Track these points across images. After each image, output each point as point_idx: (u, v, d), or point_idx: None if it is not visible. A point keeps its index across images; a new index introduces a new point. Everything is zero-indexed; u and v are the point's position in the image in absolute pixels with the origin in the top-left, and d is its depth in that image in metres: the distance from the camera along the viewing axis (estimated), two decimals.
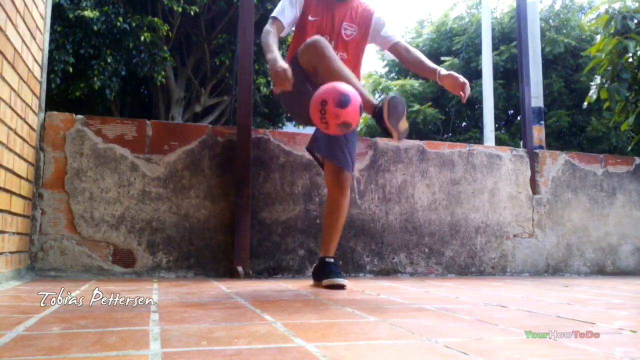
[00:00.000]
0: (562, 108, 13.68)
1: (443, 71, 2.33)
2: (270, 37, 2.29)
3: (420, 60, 2.45)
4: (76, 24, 8.25)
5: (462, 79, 2.26)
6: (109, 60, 8.48)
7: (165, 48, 9.17)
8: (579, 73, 13.31)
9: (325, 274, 2.30)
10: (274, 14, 2.38)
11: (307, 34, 2.36)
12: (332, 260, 2.37)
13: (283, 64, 2.11)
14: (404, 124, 2.03)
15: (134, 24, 8.68)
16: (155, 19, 8.99)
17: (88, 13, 8.04)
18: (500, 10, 15.41)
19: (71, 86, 8.65)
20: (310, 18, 2.39)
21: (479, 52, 13.36)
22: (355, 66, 2.44)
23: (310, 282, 2.57)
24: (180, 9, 9.14)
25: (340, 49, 2.38)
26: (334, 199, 2.40)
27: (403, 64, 2.60)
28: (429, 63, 2.42)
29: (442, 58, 15.07)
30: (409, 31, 17.95)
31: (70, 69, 8.24)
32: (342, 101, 1.85)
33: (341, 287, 2.21)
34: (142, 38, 8.66)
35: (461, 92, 2.25)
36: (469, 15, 15.87)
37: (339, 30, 2.39)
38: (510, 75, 13.77)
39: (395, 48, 2.52)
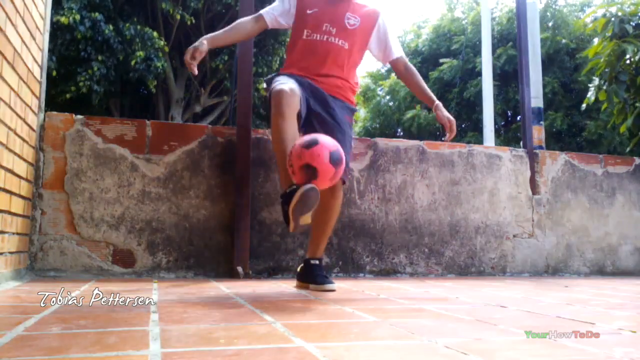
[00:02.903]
0: (560, 109, 13.65)
1: (440, 106, 2.45)
2: (234, 24, 2.40)
3: (420, 86, 2.52)
4: (64, 28, 8.25)
5: (449, 121, 2.41)
6: (95, 68, 8.48)
7: (161, 54, 9.14)
8: (577, 73, 13.30)
9: (311, 277, 2.24)
10: (262, 10, 2.42)
11: (306, 24, 2.35)
12: (317, 262, 2.31)
13: (198, 43, 2.22)
14: (305, 219, 1.91)
15: (128, 37, 8.64)
16: (154, 33, 8.93)
17: (64, 20, 8.05)
18: (499, 10, 15.38)
19: (58, 87, 8.66)
20: (308, 11, 2.37)
21: (477, 53, 13.37)
22: (352, 61, 2.40)
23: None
24: (178, 16, 9.15)
25: (342, 37, 2.34)
26: (323, 201, 2.31)
27: (401, 80, 2.64)
28: (427, 91, 2.51)
29: (441, 60, 15.08)
30: (407, 32, 17.94)
31: (54, 73, 8.22)
32: (308, 142, 1.84)
33: (330, 291, 2.15)
34: (134, 61, 8.63)
35: (447, 132, 2.43)
36: (467, 17, 15.87)
37: (342, 19, 2.36)
38: (507, 77, 13.76)
39: (395, 63, 2.51)
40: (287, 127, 2.05)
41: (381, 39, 2.47)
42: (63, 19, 8.09)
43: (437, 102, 2.46)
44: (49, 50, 8.12)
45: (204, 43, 2.25)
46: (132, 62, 8.70)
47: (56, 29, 8.23)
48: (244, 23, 2.42)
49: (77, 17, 8.21)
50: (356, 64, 2.46)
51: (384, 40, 2.47)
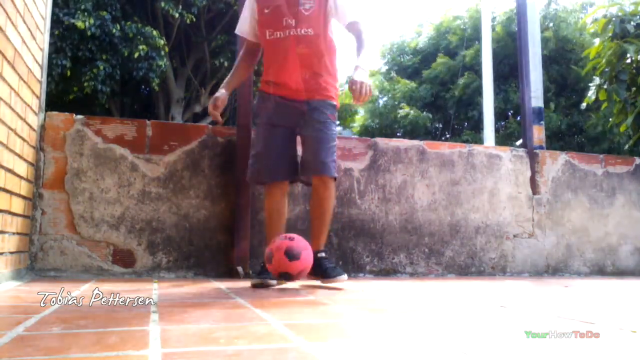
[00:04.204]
0: (558, 109, 13.63)
1: (357, 68, 2.25)
2: (234, 67, 2.59)
3: (356, 52, 2.38)
4: (73, 28, 8.27)
5: (353, 83, 2.18)
6: (101, 67, 8.49)
7: (163, 53, 9.13)
8: (576, 73, 13.27)
9: (322, 270, 2.30)
10: (237, 31, 2.54)
11: (267, 24, 2.38)
12: (323, 254, 2.36)
13: (218, 93, 2.41)
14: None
15: (130, 34, 8.66)
16: (154, 32, 8.92)
17: (80, 24, 8.07)
18: (498, 11, 15.37)
19: (66, 88, 8.67)
20: (265, 11, 2.40)
21: (475, 52, 13.34)
22: (326, 44, 2.40)
23: (309, 282, 2.57)
24: (177, 15, 9.15)
25: (304, 26, 2.34)
26: (317, 193, 2.41)
27: None
28: (359, 57, 2.32)
29: (441, 59, 15.08)
30: (405, 36, 17.86)
31: (68, 72, 8.24)
32: (291, 254, 2.09)
33: (342, 282, 2.28)
34: (137, 53, 8.63)
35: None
36: (468, 16, 15.84)
37: (297, 7, 2.35)
38: (503, 76, 13.75)
39: (349, 27, 2.43)
40: (274, 214, 2.41)
41: (332, 6, 2.41)
42: (79, 24, 8.10)
43: (359, 64, 2.27)
44: (61, 50, 8.17)
45: (223, 92, 2.42)
46: (135, 55, 8.68)
47: (65, 30, 8.24)
48: (240, 57, 2.57)
49: (92, 20, 8.24)
50: (332, 48, 2.45)
51: (335, 6, 2.41)
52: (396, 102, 15.22)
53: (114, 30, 8.50)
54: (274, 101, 2.41)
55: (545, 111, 13.07)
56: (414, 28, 18.11)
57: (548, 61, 13.38)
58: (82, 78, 8.55)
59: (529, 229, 3.50)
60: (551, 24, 14.25)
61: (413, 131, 14.40)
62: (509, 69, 13.46)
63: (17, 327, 1.20)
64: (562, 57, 13.99)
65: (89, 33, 8.26)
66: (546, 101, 13.47)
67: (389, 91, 15.23)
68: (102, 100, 8.95)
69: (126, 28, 8.72)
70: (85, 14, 8.24)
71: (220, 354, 0.95)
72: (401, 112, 14.44)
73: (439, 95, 15.09)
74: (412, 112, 14.27)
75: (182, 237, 2.80)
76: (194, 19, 9.53)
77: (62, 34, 8.21)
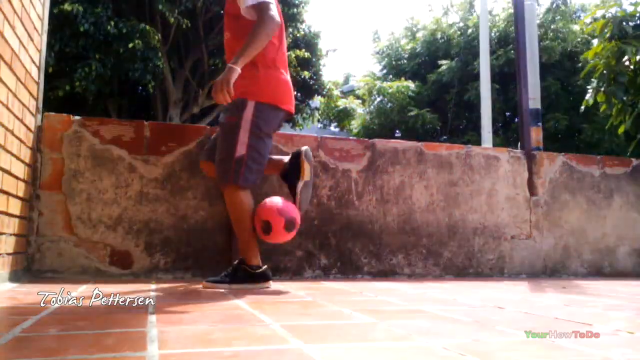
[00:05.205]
0: (560, 110, 13.69)
1: (227, 67, 2.17)
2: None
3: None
4: (64, 22, 8.13)
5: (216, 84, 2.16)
6: (93, 66, 8.39)
7: (160, 54, 9.08)
8: (576, 75, 13.32)
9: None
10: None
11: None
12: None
13: (233, 73, 2.14)
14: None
15: (124, 30, 8.58)
16: (147, 27, 8.86)
17: (67, 7, 7.94)
18: (496, 13, 15.35)
19: (52, 83, 8.57)
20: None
21: (475, 56, 13.37)
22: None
23: (309, 283, 2.57)
24: (172, 20, 9.12)
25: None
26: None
27: None
28: (240, 50, 2.17)
29: (440, 62, 15.09)
30: (401, 37, 17.72)
31: (50, 69, 8.09)
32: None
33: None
34: (131, 45, 8.49)
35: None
36: (464, 20, 15.83)
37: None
38: (507, 78, 13.79)
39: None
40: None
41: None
42: (66, 6, 7.96)
43: (230, 65, 2.16)
44: (48, 46, 8.08)
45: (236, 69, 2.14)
46: (130, 46, 8.48)
47: (56, 24, 8.13)
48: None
49: (80, 8, 8.12)
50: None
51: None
52: (392, 104, 15.23)
53: (109, 27, 8.43)
54: (278, 110, 2.40)
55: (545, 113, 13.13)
56: (404, 32, 17.82)
57: (549, 65, 13.43)
58: (72, 76, 8.45)
59: (527, 230, 3.51)
60: (551, 28, 14.28)
61: (411, 130, 14.41)
62: (510, 69, 13.49)
63: (14, 328, 1.20)
64: (561, 62, 14.02)
65: (81, 28, 8.13)
66: (554, 105, 13.54)
67: (387, 92, 15.24)
68: (90, 99, 8.90)
69: (121, 26, 8.65)
70: (77, 4, 8.13)
71: (218, 355, 0.95)
72: (414, 112, 14.44)
73: (441, 97, 15.11)
74: (427, 115, 14.29)
75: (180, 238, 2.80)
76: (189, 25, 9.51)
77: (53, 28, 8.06)
